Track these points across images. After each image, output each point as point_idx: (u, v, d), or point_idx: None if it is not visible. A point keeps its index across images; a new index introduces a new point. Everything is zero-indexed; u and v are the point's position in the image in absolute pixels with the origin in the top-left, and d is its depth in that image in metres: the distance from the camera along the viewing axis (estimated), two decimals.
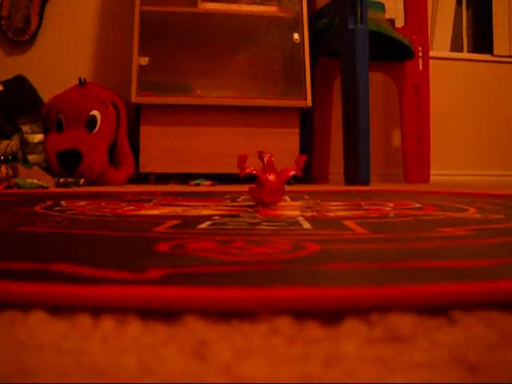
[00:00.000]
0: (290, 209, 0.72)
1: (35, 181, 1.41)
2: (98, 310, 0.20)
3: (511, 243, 0.40)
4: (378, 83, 2.51)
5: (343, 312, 0.21)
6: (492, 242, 0.39)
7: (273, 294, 0.23)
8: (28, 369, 0.15)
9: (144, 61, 1.94)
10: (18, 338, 0.18)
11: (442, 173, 2.66)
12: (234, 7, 2.05)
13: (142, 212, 0.65)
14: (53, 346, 0.17)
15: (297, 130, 2.02)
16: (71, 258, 0.32)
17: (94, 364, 0.16)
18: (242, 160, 0.72)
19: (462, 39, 3.00)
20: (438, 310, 0.21)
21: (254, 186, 0.73)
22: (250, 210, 0.69)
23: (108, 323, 0.19)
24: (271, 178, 0.71)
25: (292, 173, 0.75)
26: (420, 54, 2.43)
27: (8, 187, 1.35)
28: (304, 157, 0.77)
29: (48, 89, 2.03)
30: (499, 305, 0.22)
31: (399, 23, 2.46)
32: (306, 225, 0.50)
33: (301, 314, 0.20)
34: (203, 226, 0.49)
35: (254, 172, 0.71)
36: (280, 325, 0.19)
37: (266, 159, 0.73)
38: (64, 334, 0.18)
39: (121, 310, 0.21)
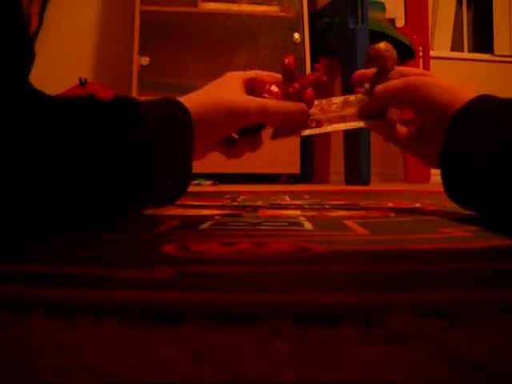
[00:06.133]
0: (291, 208, 0.72)
1: None
2: (99, 310, 0.20)
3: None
4: None
5: (344, 312, 0.21)
6: (492, 244, 0.39)
7: (275, 296, 0.23)
8: (28, 369, 0.15)
9: (144, 61, 1.94)
10: (18, 338, 0.18)
11: None
12: (235, 7, 2.05)
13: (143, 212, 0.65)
14: (53, 346, 0.17)
15: None
16: (72, 259, 0.32)
17: (95, 364, 0.16)
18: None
19: (463, 39, 3.00)
20: (439, 310, 0.21)
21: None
22: (250, 209, 0.69)
23: (109, 323, 0.19)
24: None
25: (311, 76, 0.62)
26: (420, 54, 2.43)
27: None
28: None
29: (48, 89, 2.02)
30: (500, 305, 0.22)
31: (399, 23, 2.46)
32: (308, 225, 0.50)
33: (302, 314, 0.20)
34: (205, 226, 0.49)
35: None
36: (281, 326, 0.19)
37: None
38: (65, 333, 0.18)
39: (122, 310, 0.21)
